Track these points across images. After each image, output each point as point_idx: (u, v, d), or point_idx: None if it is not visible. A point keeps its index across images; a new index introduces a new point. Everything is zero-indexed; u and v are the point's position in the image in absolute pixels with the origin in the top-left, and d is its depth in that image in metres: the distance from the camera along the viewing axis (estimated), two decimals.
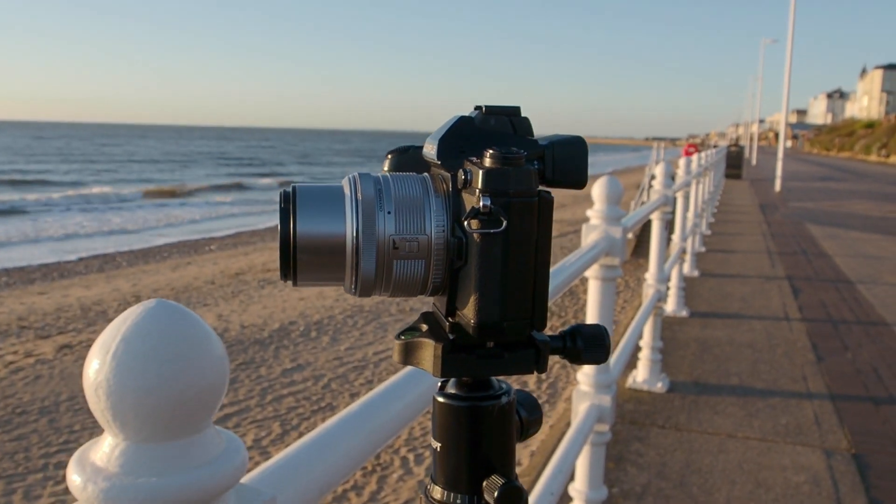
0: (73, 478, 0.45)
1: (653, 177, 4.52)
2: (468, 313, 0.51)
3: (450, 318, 0.53)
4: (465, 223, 0.49)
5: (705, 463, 3.31)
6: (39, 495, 3.60)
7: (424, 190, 0.52)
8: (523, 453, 3.93)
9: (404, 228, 0.50)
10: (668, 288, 5.71)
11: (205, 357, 0.47)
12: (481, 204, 0.48)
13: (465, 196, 0.51)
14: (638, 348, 4.27)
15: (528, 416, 0.60)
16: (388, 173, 0.54)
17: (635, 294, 7.28)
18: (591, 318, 2.39)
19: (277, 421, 4.49)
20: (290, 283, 0.51)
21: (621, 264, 2.42)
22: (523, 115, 0.55)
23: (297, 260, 0.50)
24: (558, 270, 1.82)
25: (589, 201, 2.52)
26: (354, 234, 0.50)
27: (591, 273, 2.36)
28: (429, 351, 0.53)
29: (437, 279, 0.52)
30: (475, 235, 0.49)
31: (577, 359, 0.57)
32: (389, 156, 0.57)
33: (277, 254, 0.51)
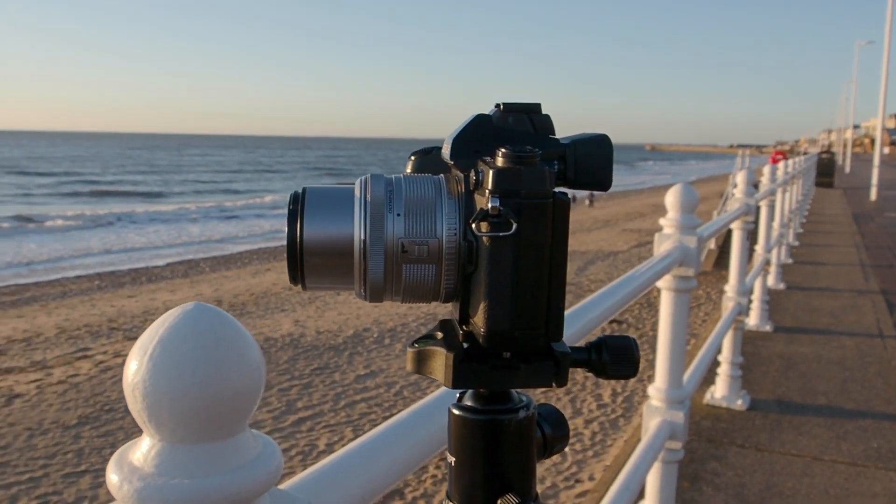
0: (111, 476, 0.46)
1: (735, 185, 4.38)
2: (479, 321, 0.49)
3: (463, 327, 0.51)
4: (474, 225, 0.48)
5: (788, 486, 3.17)
6: None
7: (437, 191, 0.50)
8: (597, 467, 3.86)
9: (414, 231, 0.49)
10: (750, 301, 5.51)
11: (240, 362, 0.47)
12: (489, 205, 0.47)
13: (478, 198, 0.49)
14: (717, 363, 4.14)
15: (552, 432, 0.57)
16: (404, 175, 0.53)
17: (717, 307, 7.07)
18: (663, 329, 2.33)
19: (350, 426, 4.55)
20: (299, 287, 0.50)
21: (697, 275, 2.35)
22: (544, 111, 0.53)
23: (304, 263, 0.49)
24: (628, 280, 1.78)
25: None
26: (362, 237, 0.49)
27: (664, 284, 2.30)
28: (440, 360, 0.51)
29: (450, 285, 0.50)
30: (485, 239, 0.48)
31: (603, 372, 0.54)
32: (412, 157, 0.56)
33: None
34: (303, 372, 5.70)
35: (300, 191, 0.50)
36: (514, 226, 0.47)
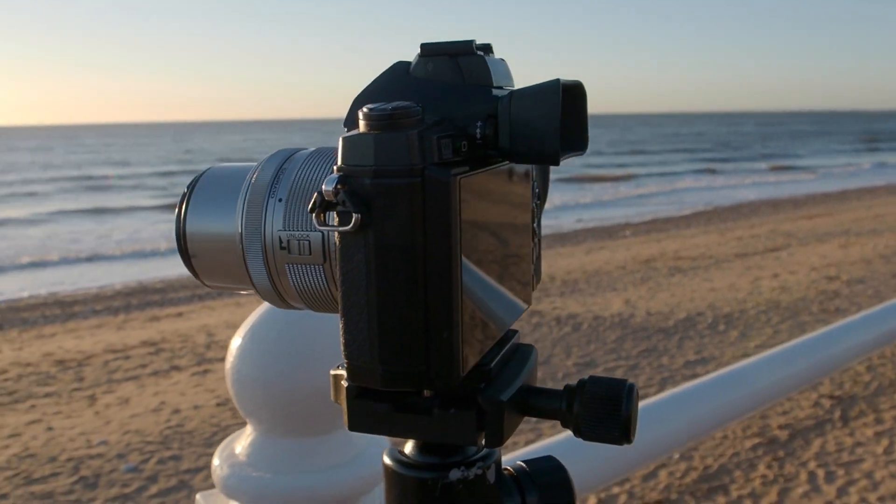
0: (214, 459, 0.46)
1: None
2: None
3: None
4: (314, 216, 0.35)
5: None
6: None
7: (331, 170, 0.38)
8: None
9: (294, 222, 0.39)
10: None
11: (330, 356, 0.43)
12: (324, 188, 0.34)
13: None
14: None
15: (539, 500, 0.42)
16: (319, 148, 0.41)
17: None
18: None
19: None
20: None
21: None
22: (497, 55, 0.38)
23: (190, 259, 0.42)
24: None
25: None
26: (239, 230, 0.40)
27: None
28: (343, 392, 0.40)
29: None
30: (336, 236, 0.35)
31: (577, 430, 0.39)
32: None
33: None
34: (630, 353, 5.60)
35: (203, 171, 0.43)
36: (355, 218, 0.34)
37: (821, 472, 3.61)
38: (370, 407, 0.39)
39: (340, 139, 0.36)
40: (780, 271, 8.19)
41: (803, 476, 3.59)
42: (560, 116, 0.35)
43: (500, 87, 0.39)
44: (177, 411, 4.65)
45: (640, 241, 11.45)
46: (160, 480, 3.49)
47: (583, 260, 9.72)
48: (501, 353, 0.41)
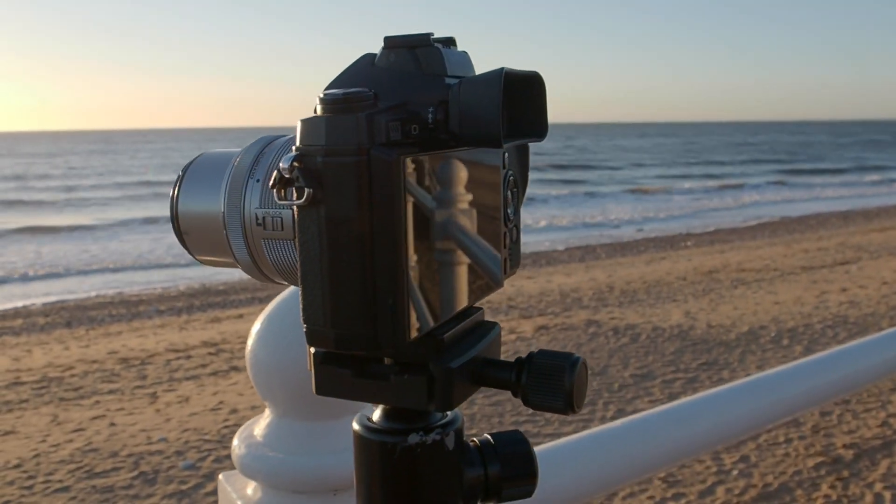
0: (235, 440, 0.48)
1: None
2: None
3: None
4: (275, 192, 0.38)
5: None
6: None
7: None
8: None
9: (269, 200, 0.42)
10: None
11: None
12: (280, 165, 0.37)
13: None
14: None
15: (501, 471, 0.44)
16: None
17: None
18: None
19: None
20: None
21: None
22: (460, 48, 0.41)
23: (183, 237, 0.46)
24: None
25: None
26: (222, 209, 0.43)
27: None
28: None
29: None
30: (295, 209, 0.38)
31: (526, 399, 0.41)
32: None
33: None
34: (689, 365, 5.50)
35: (195, 157, 0.47)
36: (307, 193, 0.37)
37: (887, 495, 3.47)
38: (334, 372, 0.42)
39: (299, 121, 0.39)
40: (849, 285, 7.92)
41: (868, 498, 3.46)
42: (501, 102, 0.38)
43: (457, 77, 0.41)
44: (234, 411, 4.76)
45: (703, 251, 11.23)
46: (217, 478, 3.59)
47: (643, 270, 9.57)
48: (459, 326, 0.44)
